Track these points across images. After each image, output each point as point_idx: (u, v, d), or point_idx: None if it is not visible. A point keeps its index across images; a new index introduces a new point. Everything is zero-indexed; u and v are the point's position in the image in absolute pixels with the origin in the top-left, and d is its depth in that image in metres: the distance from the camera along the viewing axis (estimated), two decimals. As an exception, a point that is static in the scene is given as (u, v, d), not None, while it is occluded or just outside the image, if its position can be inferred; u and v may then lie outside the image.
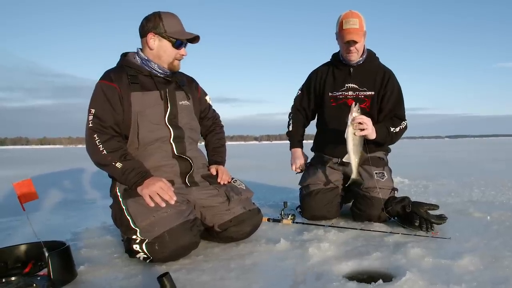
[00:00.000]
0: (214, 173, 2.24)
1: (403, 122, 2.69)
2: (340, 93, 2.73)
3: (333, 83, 2.77)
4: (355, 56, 2.63)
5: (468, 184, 4.44)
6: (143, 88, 2.03)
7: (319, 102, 2.86)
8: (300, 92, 2.98)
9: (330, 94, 2.77)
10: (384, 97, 2.68)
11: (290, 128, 2.99)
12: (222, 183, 2.18)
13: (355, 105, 2.32)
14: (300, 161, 2.88)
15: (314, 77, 2.88)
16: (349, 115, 2.30)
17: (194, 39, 2.10)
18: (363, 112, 2.64)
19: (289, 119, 3.01)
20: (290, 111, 3.02)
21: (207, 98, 2.40)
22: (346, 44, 2.56)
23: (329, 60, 2.88)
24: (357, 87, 2.70)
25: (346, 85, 2.72)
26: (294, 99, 3.01)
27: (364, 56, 2.69)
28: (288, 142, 3.03)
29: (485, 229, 2.32)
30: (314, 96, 2.88)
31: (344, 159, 2.40)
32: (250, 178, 4.91)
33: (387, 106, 2.69)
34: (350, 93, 2.71)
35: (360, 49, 2.60)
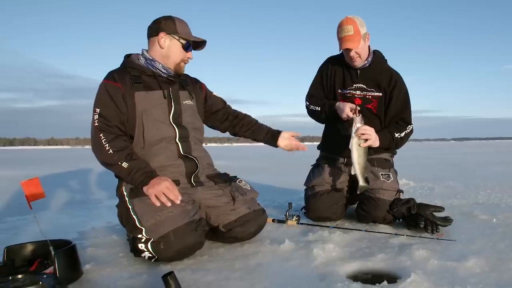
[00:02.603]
0: (294, 135, 2.40)
1: (409, 126, 2.68)
2: (349, 91, 2.72)
3: (342, 81, 2.76)
4: (358, 62, 2.61)
5: (474, 187, 4.41)
6: (147, 87, 2.05)
7: (329, 96, 2.83)
8: (313, 82, 2.91)
9: (339, 91, 2.75)
10: (390, 100, 2.68)
11: (318, 108, 2.74)
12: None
13: (358, 115, 2.35)
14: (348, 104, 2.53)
15: (326, 70, 2.83)
16: (353, 126, 2.34)
17: (201, 44, 2.16)
18: (370, 112, 2.66)
19: (309, 107, 2.82)
20: (306, 101, 2.87)
21: (215, 93, 2.42)
22: (345, 51, 2.57)
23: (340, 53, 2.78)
24: (365, 87, 2.70)
25: (354, 84, 2.71)
26: (309, 89, 2.91)
27: (370, 59, 2.67)
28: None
29: (491, 232, 2.30)
30: (326, 88, 2.83)
31: (352, 172, 2.41)
32: (255, 180, 4.91)
33: (393, 110, 2.68)
34: (358, 92, 2.70)
35: (361, 53, 2.57)
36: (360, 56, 2.58)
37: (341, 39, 2.53)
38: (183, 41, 2.08)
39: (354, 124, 2.35)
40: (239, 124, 2.45)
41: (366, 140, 2.35)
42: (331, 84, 2.80)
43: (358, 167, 2.37)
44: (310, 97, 2.86)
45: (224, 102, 2.45)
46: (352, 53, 2.54)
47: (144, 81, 2.05)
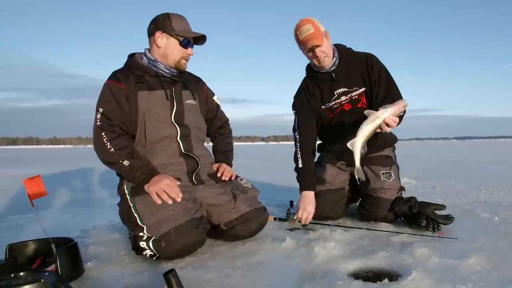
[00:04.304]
0: (215, 169, 2.25)
1: None
2: (333, 102, 2.60)
3: (322, 95, 2.62)
4: (327, 61, 2.47)
5: (476, 185, 4.40)
6: (150, 87, 2.05)
7: (317, 117, 2.69)
8: (295, 115, 2.70)
9: (323, 107, 2.64)
10: (374, 82, 2.50)
11: (300, 164, 2.58)
12: (223, 178, 2.19)
13: (403, 101, 2.08)
14: (310, 210, 2.47)
15: (302, 96, 2.68)
16: (391, 108, 2.04)
17: (201, 39, 2.13)
18: (363, 110, 2.26)
19: (296, 149, 2.63)
20: (294, 139, 2.66)
21: (215, 98, 2.42)
22: (311, 52, 2.41)
23: (305, 74, 2.71)
24: (346, 89, 2.56)
25: (335, 92, 2.57)
26: (294, 125, 2.69)
27: (336, 55, 2.53)
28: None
29: (493, 230, 2.29)
30: (312, 112, 2.65)
31: (348, 144, 2.12)
32: (257, 178, 4.92)
33: (381, 92, 2.49)
34: (343, 98, 2.57)
35: (327, 51, 2.43)
36: (327, 55, 2.44)
37: (303, 41, 2.37)
38: (180, 38, 2.07)
39: (395, 106, 2.04)
40: (216, 139, 2.46)
41: (387, 125, 2.05)
42: (313, 105, 2.64)
43: (358, 147, 2.09)
44: (300, 137, 2.63)
45: (217, 111, 2.43)
46: (319, 52, 2.39)
47: (147, 81, 2.06)
